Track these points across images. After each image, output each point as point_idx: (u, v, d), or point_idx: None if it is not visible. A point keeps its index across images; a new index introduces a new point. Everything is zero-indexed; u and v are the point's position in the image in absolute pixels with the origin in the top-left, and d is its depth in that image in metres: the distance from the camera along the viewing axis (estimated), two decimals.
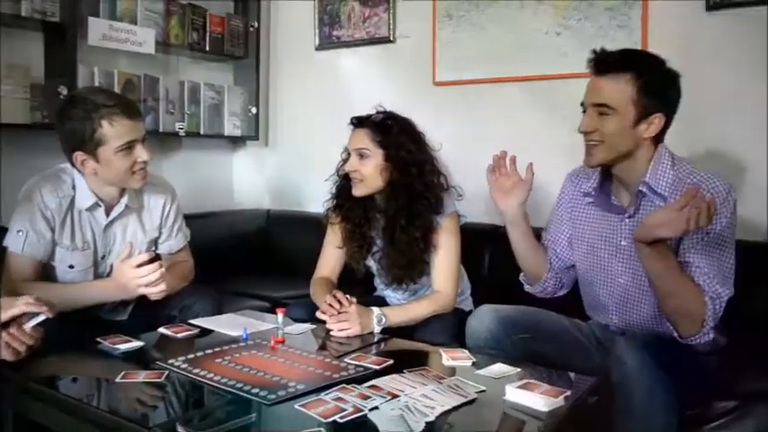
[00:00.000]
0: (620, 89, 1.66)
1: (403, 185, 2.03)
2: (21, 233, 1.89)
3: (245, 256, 3.26)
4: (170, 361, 1.60)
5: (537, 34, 2.72)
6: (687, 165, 1.71)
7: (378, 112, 2.11)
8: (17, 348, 1.55)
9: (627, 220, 1.78)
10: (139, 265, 1.85)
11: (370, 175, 2.04)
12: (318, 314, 1.94)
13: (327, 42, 3.37)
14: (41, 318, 1.58)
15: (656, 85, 1.66)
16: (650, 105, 1.66)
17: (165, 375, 1.52)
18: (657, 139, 1.71)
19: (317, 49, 3.42)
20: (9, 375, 1.57)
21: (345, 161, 2.15)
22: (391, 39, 3.16)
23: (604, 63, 1.69)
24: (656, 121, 1.67)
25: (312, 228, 2.56)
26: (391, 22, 3.14)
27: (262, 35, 3.52)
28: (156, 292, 1.89)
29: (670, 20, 2.45)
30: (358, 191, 2.07)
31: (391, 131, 2.05)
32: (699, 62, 2.37)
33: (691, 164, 1.73)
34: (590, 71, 1.73)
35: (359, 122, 2.10)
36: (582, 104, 1.74)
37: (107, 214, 2.01)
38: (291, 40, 3.55)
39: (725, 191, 1.63)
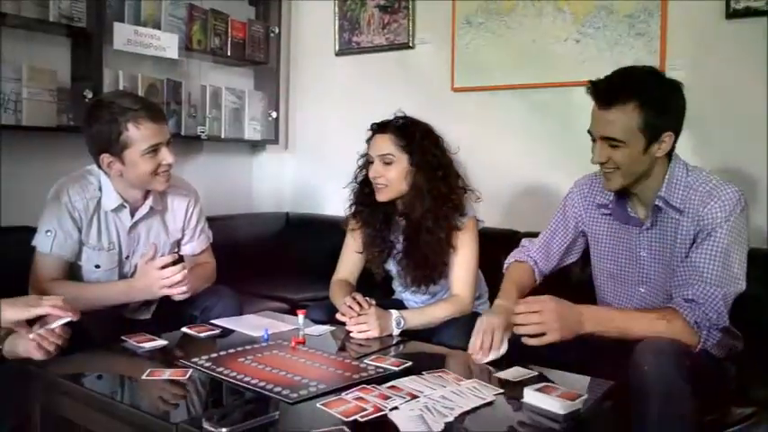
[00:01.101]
0: (626, 121, 1.64)
1: (427, 188, 2.04)
2: (49, 233, 1.93)
3: (265, 258, 3.29)
4: (193, 359, 1.63)
5: (556, 41, 2.74)
6: (702, 173, 1.72)
7: (397, 117, 2.13)
8: (47, 348, 1.59)
9: (645, 233, 1.79)
10: (163, 267, 1.89)
11: (396, 179, 2.06)
12: (338, 316, 1.96)
13: (347, 48, 3.41)
14: (67, 319, 1.61)
15: (660, 104, 1.65)
16: (659, 126, 1.65)
17: (188, 373, 1.55)
18: (670, 152, 1.72)
19: (336, 54, 3.47)
20: (37, 372, 1.60)
21: (364, 167, 2.17)
22: (410, 45, 3.19)
23: (606, 95, 1.67)
24: (667, 139, 1.68)
25: (330, 230, 2.58)
26: (410, 28, 3.18)
27: (282, 41, 3.57)
28: (178, 293, 1.93)
29: (689, 27, 2.47)
30: (383, 196, 2.09)
31: (414, 136, 2.07)
32: (717, 69, 2.38)
33: (705, 172, 1.74)
34: (593, 101, 1.71)
35: (380, 128, 2.11)
36: (589, 132, 1.74)
37: (132, 215, 2.04)
38: (311, 46, 3.59)
39: (735, 197, 1.65)
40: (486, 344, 1.70)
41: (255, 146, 3.65)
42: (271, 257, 3.33)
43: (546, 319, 1.58)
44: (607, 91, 1.67)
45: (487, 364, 1.69)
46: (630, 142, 1.66)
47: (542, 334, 1.58)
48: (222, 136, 3.33)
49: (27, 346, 1.59)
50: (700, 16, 2.44)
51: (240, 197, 3.57)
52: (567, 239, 1.99)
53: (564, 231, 1.99)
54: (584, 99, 1.79)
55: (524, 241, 2.09)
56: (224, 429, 1.21)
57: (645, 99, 1.64)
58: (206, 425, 1.23)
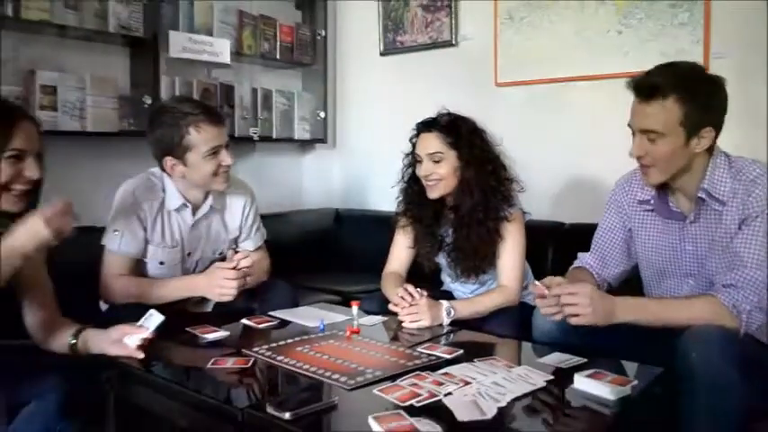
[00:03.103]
0: (666, 114, 1.63)
1: (477, 182, 2.07)
2: (117, 232, 2.01)
3: (315, 253, 3.35)
4: (255, 349, 1.69)
5: (598, 34, 2.72)
6: (745, 162, 1.70)
7: (442, 115, 2.15)
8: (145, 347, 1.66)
9: (690, 226, 1.77)
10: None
11: (446, 176, 2.08)
12: (391, 306, 2.00)
13: (391, 48, 3.44)
14: (161, 320, 1.67)
15: (701, 99, 1.63)
16: (699, 121, 1.63)
17: (251, 362, 1.60)
18: (712, 145, 1.70)
19: (381, 54, 3.50)
20: (111, 362, 1.66)
21: (410, 166, 2.20)
22: (453, 42, 3.21)
23: (647, 89, 1.66)
24: (707, 134, 1.65)
25: (378, 225, 2.61)
26: (453, 25, 3.19)
27: (329, 42, 3.62)
28: (224, 299, 1.99)
29: (732, 16, 2.42)
30: (434, 193, 2.11)
31: (461, 132, 2.09)
32: (762, 58, 2.34)
33: (749, 160, 1.71)
34: (634, 95, 1.70)
35: (426, 127, 2.13)
36: (629, 126, 1.73)
37: (193, 214, 2.12)
38: (357, 47, 3.63)
39: None
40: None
41: (305, 145, 3.72)
42: (321, 252, 3.39)
43: (580, 302, 1.61)
44: (648, 85, 1.66)
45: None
46: (670, 135, 1.64)
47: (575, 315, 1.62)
48: (273, 136, 3.40)
49: (103, 346, 1.66)
50: (744, 4, 2.39)
51: (291, 195, 3.64)
52: (618, 241, 1.95)
53: (612, 232, 1.96)
54: (627, 91, 1.79)
55: (580, 255, 2.05)
56: (287, 414, 1.26)
57: (685, 93, 1.62)
58: (270, 409, 1.29)
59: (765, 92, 2.33)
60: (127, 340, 1.63)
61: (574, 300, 1.62)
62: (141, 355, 1.64)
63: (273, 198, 3.30)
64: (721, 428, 1.48)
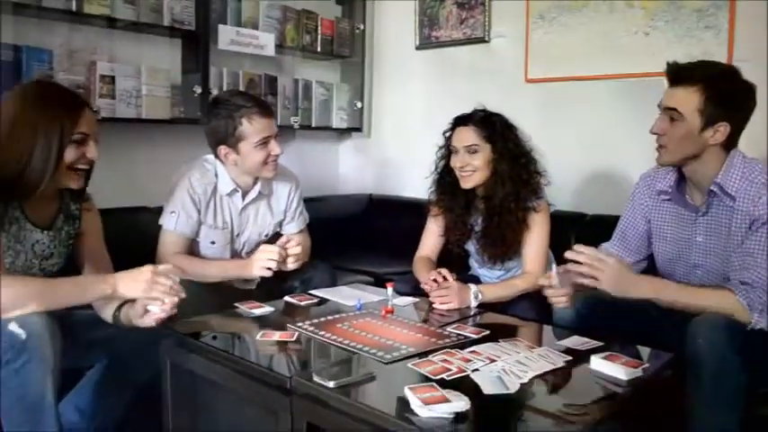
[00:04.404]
0: (688, 98, 1.73)
1: (509, 174, 2.15)
2: (173, 213, 2.13)
3: (350, 236, 3.45)
4: (298, 324, 1.79)
5: (626, 34, 2.77)
6: (759, 165, 1.76)
7: (477, 111, 2.23)
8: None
9: (701, 218, 1.84)
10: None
11: (480, 167, 2.16)
12: (422, 286, 2.09)
13: (427, 42, 3.51)
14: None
15: (723, 96, 1.71)
16: (716, 114, 1.71)
17: (295, 336, 1.71)
18: (729, 144, 1.77)
19: (417, 48, 3.56)
20: (168, 333, 1.77)
21: (443, 158, 2.29)
22: (486, 39, 3.26)
23: (677, 75, 1.77)
24: (722, 129, 1.73)
25: (409, 211, 2.69)
26: (487, 23, 3.25)
27: (367, 36, 3.70)
28: (265, 274, 2.09)
29: (757, 21, 2.45)
30: (468, 183, 2.19)
31: (495, 127, 2.17)
32: None
33: (762, 164, 1.77)
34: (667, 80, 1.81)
35: (463, 121, 2.22)
36: (658, 106, 1.83)
37: (243, 199, 2.23)
38: (394, 41, 3.70)
39: None
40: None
41: (342, 133, 3.82)
42: (355, 235, 3.49)
43: (602, 267, 1.68)
44: (678, 72, 1.77)
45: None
46: (687, 119, 1.73)
47: (594, 278, 1.69)
48: (312, 125, 3.50)
49: (140, 316, 1.71)
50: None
51: (328, 180, 3.75)
52: (640, 231, 2.02)
53: (635, 223, 2.03)
54: (653, 90, 1.88)
55: (602, 245, 2.10)
56: (331, 383, 1.36)
57: (708, 86, 1.72)
58: (316, 378, 1.39)
59: None
60: (151, 308, 1.69)
61: (598, 264, 1.69)
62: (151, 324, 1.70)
63: (311, 183, 3.39)
64: (723, 409, 1.55)
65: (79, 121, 1.65)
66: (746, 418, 1.58)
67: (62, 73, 2.48)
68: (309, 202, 2.52)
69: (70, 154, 1.65)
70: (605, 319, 1.84)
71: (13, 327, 1.45)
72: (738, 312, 1.66)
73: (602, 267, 1.69)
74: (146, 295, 1.65)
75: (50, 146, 1.60)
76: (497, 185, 2.16)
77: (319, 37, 3.45)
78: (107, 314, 1.77)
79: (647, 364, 1.53)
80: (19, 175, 1.60)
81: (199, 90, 2.88)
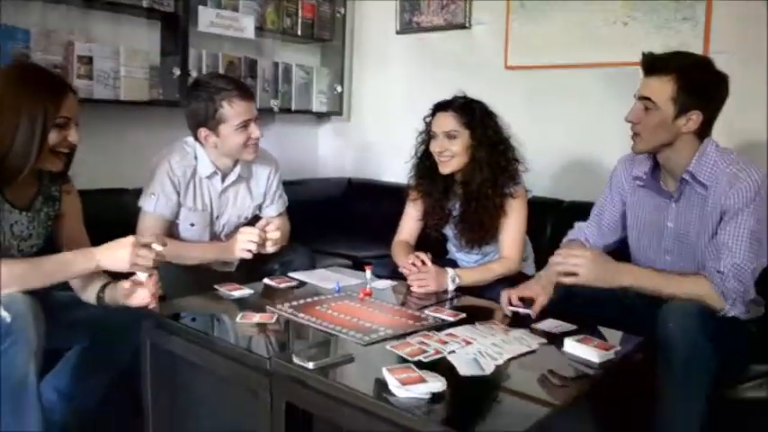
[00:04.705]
0: (662, 87, 1.76)
1: (487, 161, 2.17)
2: (153, 195, 2.12)
3: (329, 219, 3.47)
4: (278, 306, 1.80)
5: (604, 24, 2.80)
6: (731, 155, 1.79)
7: (457, 97, 2.24)
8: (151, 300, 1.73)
9: (673, 205, 1.89)
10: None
11: (459, 153, 2.18)
12: (402, 270, 2.12)
13: (407, 27, 3.51)
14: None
15: (696, 85, 1.75)
16: (689, 103, 1.75)
17: (275, 318, 1.72)
18: (702, 132, 1.80)
19: (397, 33, 3.56)
20: (148, 314, 1.76)
21: (423, 143, 2.30)
22: (467, 25, 3.27)
23: (651, 64, 1.81)
24: (695, 117, 1.76)
25: (388, 195, 2.70)
26: (467, 9, 3.26)
27: (347, 20, 3.69)
28: (246, 256, 2.11)
29: (733, 13, 2.49)
30: (447, 168, 2.21)
31: (475, 113, 2.19)
32: (761, 54, 2.41)
33: (734, 154, 1.80)
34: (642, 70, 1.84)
35: (443, 107, 2.23)
36: (634, 95, 1.86)
37: (222, 181, 2.23)
38: (374, 25, 3.69)
39: (758, 178, 1.73)
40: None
41: (321, 117, 3.82)
42: (334, 219, 3.51)
43: (581, 263, 1.73)
44: (653, 62, 1.81)
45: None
46: (661, 107, 1.77)
47: (575, 275, 1.74)
48: (292, 108, 3.50)
49: (126, 295, 1.72)
50: (743, 3, 2.46)
51: (307, 163, 3.75)
52: (615, 213, 2.06)
53: (612, 205, 2.07)
54: (629, 79, 1.91)
55: (577, 224, 2.17)
56: (311, 364, 1.38)
57: (681, 76, 1.75)
58: (295, 359, 1.41)
59: (765, 88, 2.41)
60: (138, 276, 1.70)
61: (575, 260, 1.73)
62: (154, 305, 1.72)
63: (290, 166, 3.38)
64: (692, 392, 1.60)
65: (62, 104, 1.64)
66: (714, 401, 1.64)
67: (39, 53, 2.45)
68: (288, 185, 2.52)
69: (52, 137, 1.64)
70: (578, 304, 1.88)
71: None
72: (712, 300, 1.70)
73: (580, 262, 1.73)
74: (128, 267, 1.64)
75: (34, 129, 1.59)
76: (475, 171, 2.18)
77: (300, 20, 3.44)
78: (89, 295, 1.77)
79: (618, 347, 1.56)
80: (1, 159, 1.59)
81: (178, 72, 2.87)
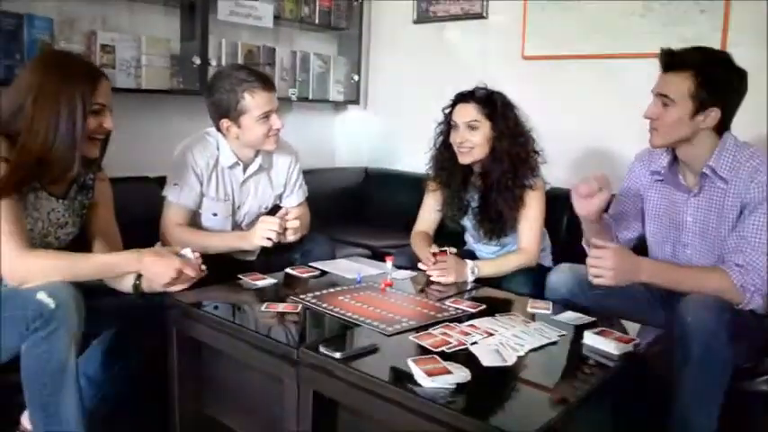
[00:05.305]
0: (679, 84, 1.76)
1: (508, 152, 2.18)
2: (176, 186, 2.15)
3: (346, 209, 3.48)
4: (301, 296, 1.84)
5: (622, 15, 2.79)
6: (750, 149, 1.80)
7: (479, 88, 2.24)
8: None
9: (692, 199, 1.89)
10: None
11: (479, 144, 2.19)
12: (420, 265, 2.14)
13: (424, 17, 3.50)
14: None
15: (714, 82, 1.75)
16: (707, 100, 1.75)
17: (299, 308, 1.75)
18: (722, 127, 1.81)
19: (414, 22, 3.56)
20: (174, 303, 1.81)
21: (442, 134, 2.31)
22: (484, 15, 3.27)
23: (669, 61, 1.80)
24: (713, 114, 1.76)
25: (405, 183, 2.72)
26: None
27: (365, 9, 3.69)
28: (266, 244, 2.12)
29: (751, 5, 2.47)
30: (466, 159, 2.22)
31: (496, 105, 2.20)
32: None
33: (754, 148, 1.81)
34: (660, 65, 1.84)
35: (464, 97, 2.23)
36: (652, 92, 1.86)
37: (244, 171, 2.25)
38: (391, 14, 3.68)
39: None
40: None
41: (338, 106, 3.82)
42: (351, 208, 3.53)
43: (603, 265, 1.75)
44: (671, 58, 1.81)
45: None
46: (679, 104, 1.77)
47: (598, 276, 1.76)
48: (310, 97, 3.50)
49: (154, 286, 1.79)
50: None
51: (324, 153, 3.76)
52: (633, 207, 2.07)
53: (629, 199, 2.08)
54: (647, 70, 1.93)
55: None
56: (338, 354, 1.42)
57: (700, 72, 1.75)
58: (322, 349, 1.44)
59: None
60: (184, 252, 1.82)
61: (598, 262, 1.75)
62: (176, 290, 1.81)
63: (307, 155, 3.39)
64: (710, 385, 1.62)
65: (98, 91, 1.68)
66: (731, 394, 1.65)
67: (63, 42, 2.48)
68: (306, 174, 2.53)
69: (90, 124, 1.68)
70: (596, 296, 1.91)
71: (42, 296, 1.50)
72: (731, 293, 1.72)
73: (603, 264, 1.74)
74: (162, 287, 1.78)
75: (75, 117, 1.63)
76: (495, 163, 2.20)
77: (318, 9, 3.44)
78: (125, 284, 1.80)
79: (637, 340, 1.59)
80: (48, 149, 1.62)
81: (198, 61, 2.88)
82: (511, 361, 1.44)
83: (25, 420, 1.68)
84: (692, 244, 1.92)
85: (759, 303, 1.73)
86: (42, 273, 1.56)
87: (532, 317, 1.78)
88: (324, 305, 1.78)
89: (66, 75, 1.65)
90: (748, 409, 1.82)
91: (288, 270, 2.14)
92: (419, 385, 1.30)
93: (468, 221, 2.38)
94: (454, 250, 2.15)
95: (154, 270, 1.74)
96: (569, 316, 1.78)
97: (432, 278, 2.08)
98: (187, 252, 1.83)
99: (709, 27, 2.54)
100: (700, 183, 1.87)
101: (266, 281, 2.01)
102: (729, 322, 1.61)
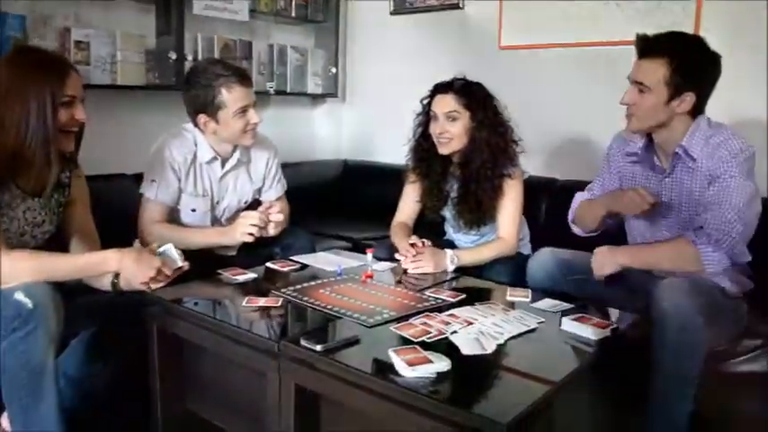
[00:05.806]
0: (654, 71, 1.78)
1: (487, 142, 2.18)
2: (154, 182, 2.13)
3: (325, 201, 3.48)
4: (282, 290, 1.83)
5: (598, 3, 2.81)
6: (721, 129, 1.82)
7: (457, 79, 2.24)
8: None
9: (665, 180, 1.92)
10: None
11: (459, 134, 2.19)
12: (397, 256, 2.14)
13: (401, 8, 3.51)
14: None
15: (689, 67, 1.77)
16: (682, 85, 1.78)
17: (280, 302, 1.75)
18: (696, 111, 1.83)
19: (391, 13, 3.56)
20: (154, 299, 1.79)
21: (421, 125, 2.32)
22: (460, 5, 3.28)
23: (644, 47, 1.82)
24: (688, 98, 1.79)
25: (384, 176, 2.71)
26: None
27: (341, 1, 3.67)
28: (248, 240, 2.12)
29: None
30: (446, 149, 2.23)
31: (475, 95, 2.20)
32: (751, 33, 2.43)
33: (726, 129, 1.83)
34: (636, 52, 1.86)
35: (443, 88, 2.23)
36: (628, 78, 1.88)
37: (222, 166, 2.24)
38: (368, 5, 3.68)
39: (737, 148, 1.77)
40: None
41: (316, 99, 3.81)
42: (331, 200, 3.53)
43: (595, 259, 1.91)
44: (645, 44, 1.83)
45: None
46: (654, 91, 1.79)
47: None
48: (288, 90, 3.49)
49: (134, 284, 1.76)
50: None
51: (302, 146, 3.74)
52: (611, 187, 2.09)
53: (611, 179, 2.10)
54: (622, 58, 1.94)
55: (578, 193, 2.19)
56: (319, 346, 1.42)
57: (674, 58, 1.77)
58: (303, 342, 1.44)
59: (753, 67, 2.43)
60: (167, 249, 1.80)
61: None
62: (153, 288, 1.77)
63: (286, 149, 3.38)
64: (685, 367, 1.64)
65: (66, 83, 1.66)
66: (706, 375, 1.68)
67: (36, 39, 2.45)
68: (285, 168, 2.52)
69: (61, 117, 1.66)
70: (574, 283, 1.93)
71: (19, 296, 1.49)
72: (693, 259, 1.76)
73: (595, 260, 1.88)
74: (138, 285, 1.74)
75: (45, 111, 1.61)
76: (475, 153, 2.20)
77: (293, 1, 3.42)
78: (103, 282, 1.78)
79: (615, 325, 1.61)
80: (20, 146, 1.60)
81: (174, 56, 2.86)
82: (490, 349, 1.45)
83: (4, 421, 1.66)
84: (667, 224, 1.95)
85: (722, 262, 1.75)
86: (21, 274, 1.54)
87: (512, 305, 1.79)
88: (305, 298, 1.78)
89: (34, 69, 1.63)
90: (724, 390, 1.85)
91: (268, 264, 2.14)
92: (400, 375, 1.31)
93: (447, 212, 2.39)
94: (429, 243, 2.15)
95: (133, 269, 1.71)
96: (548, 303, 1.79)
97: (408, 271, 2.08)
98: (168, 248, 1.81)
99: (683, 14, 2.57)
100: (672, 163, 1.89)
101: (247, 276, 2.00)
102: (704, 305, 1.64)
